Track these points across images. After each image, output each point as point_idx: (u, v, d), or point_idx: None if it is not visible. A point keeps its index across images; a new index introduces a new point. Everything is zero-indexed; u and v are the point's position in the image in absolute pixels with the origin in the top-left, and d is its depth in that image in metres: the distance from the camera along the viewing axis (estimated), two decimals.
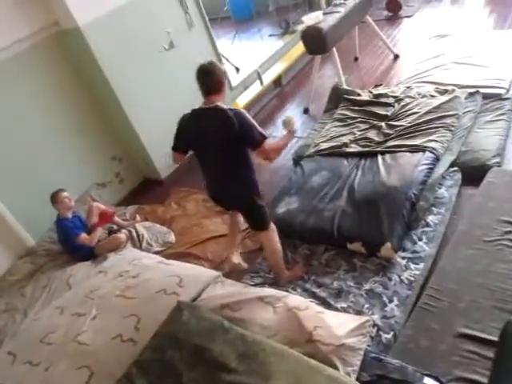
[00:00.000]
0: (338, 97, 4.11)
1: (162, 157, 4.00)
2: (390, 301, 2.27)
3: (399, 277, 2.38)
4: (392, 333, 2.10)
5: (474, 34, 4.66)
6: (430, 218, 2.70)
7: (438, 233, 2.61)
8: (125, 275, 2.51)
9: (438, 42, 4.70)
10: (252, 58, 5.61)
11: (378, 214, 2.62)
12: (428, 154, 2.97)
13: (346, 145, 3.41)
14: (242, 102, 4.80)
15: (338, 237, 2.65)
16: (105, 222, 3.27)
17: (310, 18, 4.15)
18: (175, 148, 2.38)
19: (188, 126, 2.27)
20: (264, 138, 2.18)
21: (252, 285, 2.59)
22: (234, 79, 5.01)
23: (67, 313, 2.37)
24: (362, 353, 1.80)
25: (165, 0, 3.89)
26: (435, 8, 6.11)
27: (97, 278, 2.67)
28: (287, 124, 2.40)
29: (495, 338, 1.62)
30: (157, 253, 3.10)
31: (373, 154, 3.18)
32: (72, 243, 3.13)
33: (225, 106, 2.19)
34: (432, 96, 3.60)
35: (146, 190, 4.17)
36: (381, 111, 3.63)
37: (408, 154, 3.04)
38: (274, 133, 4.26)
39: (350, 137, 3.48)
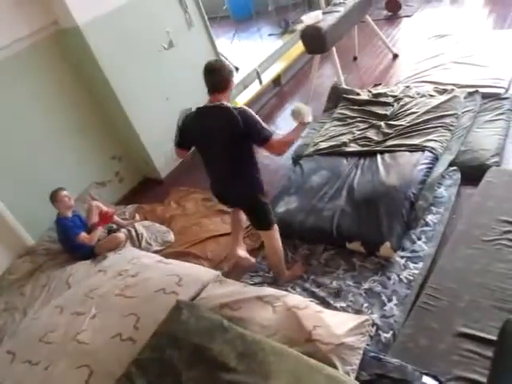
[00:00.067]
0: (337, 96, 4.11)
1: (161, 156, 4.02)
2: (389, 300, 2.27)
3: (398, 276, 2.39)
4: (391, 332, 2.10)
5: (474, 34, 4.67)
6: (429, 218, 2.70)
7: (437, 232, 2.61)
8: (124, 274, 2.52)
9: (438, 42, 4.71)
10: (251, 57, 5.63)
11: (377, 214, 2.62)
12: (427, 153, 2.98)
13: (345, 144, 3.41)
14: (241, 101, 4.80)
15: (337, 236, 2.65)
16: (105, 221, 3.27)
17: (309, 18, 4.15)
18: (179, 145, 2.37)
19: (192, 124, 2.25)
20: (270, 133, 2.15)
21: (251, 284, 2.59)
22: (234, 78, 4.99)
23: (67, 312, 2.37)
24: (361, 352, 1.81)
25: None
26: (435, 8, 6.12)
27: (96, 277, 2.66)
28: (297, 114, 2.17)
29: (494, 338, 1.62)
30: (156, 252, 3.10)
31: (372, 154, 3.19)
32: (72, 242, 3.13)
33: (229, 105, 2.18)
34: (431, 95, 3.61)
35: (145, 189, 4.17)
36: (380, 111, 3.64)
37: (407, 153, 3.05)
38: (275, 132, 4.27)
39: (350, 136, 3.48)
